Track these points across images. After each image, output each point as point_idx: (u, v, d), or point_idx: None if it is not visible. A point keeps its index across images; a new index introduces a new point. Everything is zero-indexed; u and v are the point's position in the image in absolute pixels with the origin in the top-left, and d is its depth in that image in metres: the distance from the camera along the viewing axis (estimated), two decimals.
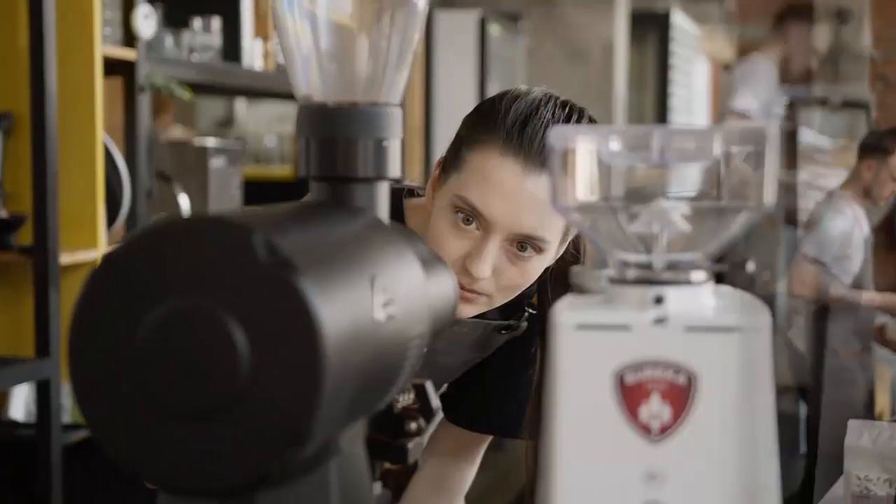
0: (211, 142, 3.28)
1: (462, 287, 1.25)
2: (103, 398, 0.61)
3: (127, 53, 2.72)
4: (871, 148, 4.18)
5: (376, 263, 0.68)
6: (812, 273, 4.17)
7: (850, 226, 4.22)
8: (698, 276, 0.68)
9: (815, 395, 3.87)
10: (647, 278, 0.67)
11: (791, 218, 4.75)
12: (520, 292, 1.31)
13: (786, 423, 4.06)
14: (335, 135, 0.75)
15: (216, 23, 3.17)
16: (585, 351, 0.66)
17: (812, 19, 4.38)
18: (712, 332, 0.65)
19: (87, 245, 2.58)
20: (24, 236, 2.46)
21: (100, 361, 0.61)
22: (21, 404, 2.74)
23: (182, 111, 4.72)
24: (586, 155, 0.68)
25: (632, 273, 0.68)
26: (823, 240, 4.16)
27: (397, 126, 0.77)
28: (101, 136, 2.58)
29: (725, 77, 8.82)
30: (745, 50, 8.80)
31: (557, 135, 0.68)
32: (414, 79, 4.64)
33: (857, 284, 4.31)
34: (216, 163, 3.16)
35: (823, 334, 4.31)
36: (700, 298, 0.67)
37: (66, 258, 2.47)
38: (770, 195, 0.65)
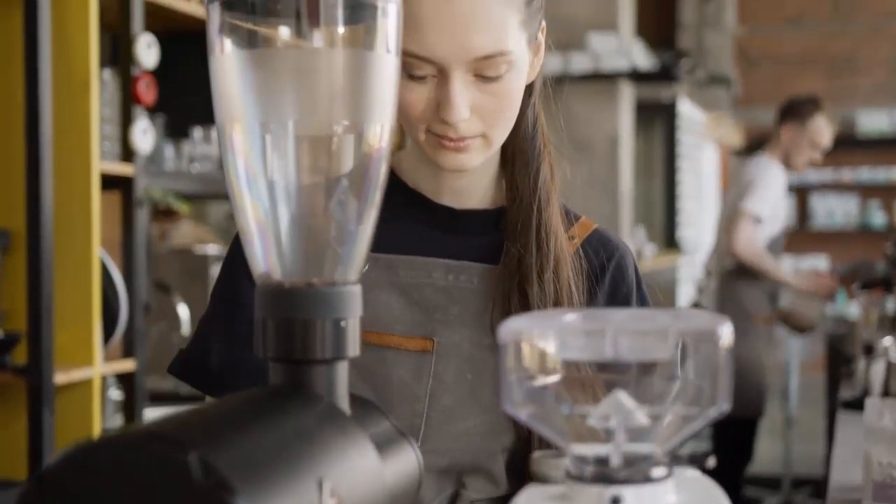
0: (212, 249, 3.28)
1: (450, 139, 1.15)
2: None
3: (125, 169, 2.73)
4: (789, 113, 4.36)
5: (326, 462, 0.66)
6: (755, 230, 4.27)
7: (782, 187, 4.37)
8: (658, 472, 0.66)
9: None
10: (605, 476, 0.65)
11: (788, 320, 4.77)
12: (514, 118, 1.19)
13: None
14: (292, 316, 0.73)
15: (216, 133, 3.18)
16: None
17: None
18: None
19: (83, 363, 2.56)
20: (19, 355, 2.45)
21: None
22: None
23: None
24: (538, 349, 0.66)
25: (588, 469, 0.66)
26: (764, 196, 4.27)
27: (356, 305, 0.75)
28: (97, 252, 2.57)
29: (734, 161, 8.86)
30: (751, 134, 8.87)
31: (508, 329, 0.66)
32: None
33: (772, 249, 4.40)
34: (217, 271, 3.15)
35: (737, 295, 4.40)
36: (660, 497, 0.65)
37: (61, 377, 2.45)
38: (726, 395, 0.63)
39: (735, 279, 4.44)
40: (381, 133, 0.76)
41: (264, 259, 0.75)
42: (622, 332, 0.65)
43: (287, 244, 0.75)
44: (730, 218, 4.43)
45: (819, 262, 8.87)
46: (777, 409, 5.72)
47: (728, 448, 4.47)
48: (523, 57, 1.16)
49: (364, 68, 0.74)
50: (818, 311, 4.93)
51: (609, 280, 1.29)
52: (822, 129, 4.42)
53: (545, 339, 0.66)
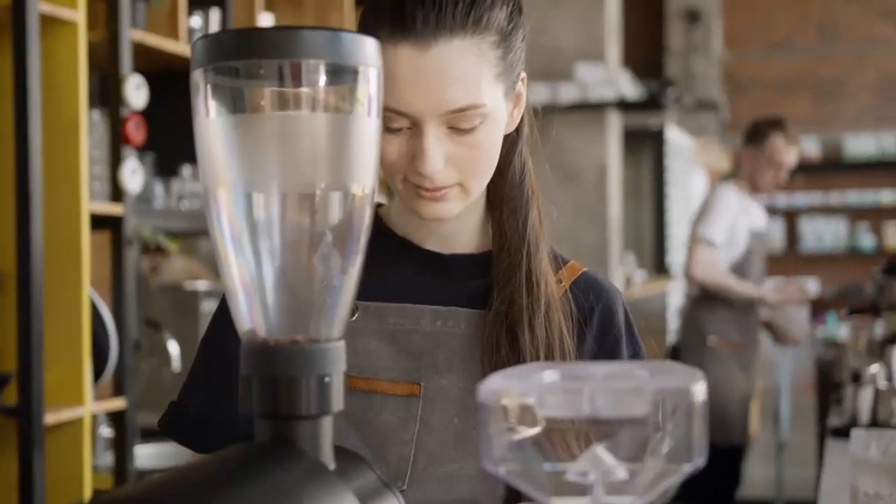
0: (202, 285, 3.29)
1: (426, 189, 1.17)
2: None
3: (114, 209, 2.74)
4: (749, 136, 4.41)
5: None
6: (711, 254, 4.31)
7: (737, 212, 4.39)
8: None
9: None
10: None
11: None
12: (492, 168, 1.20)
13: None
14: (277, 373, 0.75)
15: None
16: None
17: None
18: None
19: (73, 403, 2.56)
20: (9, 395, 2.45)
21: None
22: None
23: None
24: (516, 407, 0.68)
25: None
26: (718, 221, 4.32)
27: (340, 360, 0.77)
28: (87, 292, 2.58)
29: None
30: (739, 159, 8.92)
31: (487, 389, 0.68)
32: None
33: (738, 272, 4.42)
34: (207, 307, 3.16)
35: (701, 322, 4.43)
36: None
37: (51, 417, 2.45)
38: (701, 450, 0.64)
39: (700, 305, 4.48)
40: (363, 190, 0.78)
41: (249, 316, 0.77)
42: (599, 389, 0.66)
43: (271, 302, 0.76)
44: (689, 244, 4.51)
45: (808, 285, 8.91)
46: (768, 432, 5.72)
47: (716, 474, 4.48)
48: (500, 108, 1.18)
49: (346, 131, 0.76)
50: (802, 326, 4.95)
51: (597, 323, 1.28)
52: (780, 149, 4.42)
53: (524, 397, 0.68)
